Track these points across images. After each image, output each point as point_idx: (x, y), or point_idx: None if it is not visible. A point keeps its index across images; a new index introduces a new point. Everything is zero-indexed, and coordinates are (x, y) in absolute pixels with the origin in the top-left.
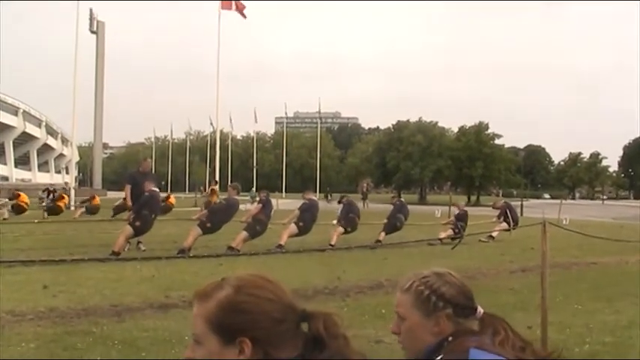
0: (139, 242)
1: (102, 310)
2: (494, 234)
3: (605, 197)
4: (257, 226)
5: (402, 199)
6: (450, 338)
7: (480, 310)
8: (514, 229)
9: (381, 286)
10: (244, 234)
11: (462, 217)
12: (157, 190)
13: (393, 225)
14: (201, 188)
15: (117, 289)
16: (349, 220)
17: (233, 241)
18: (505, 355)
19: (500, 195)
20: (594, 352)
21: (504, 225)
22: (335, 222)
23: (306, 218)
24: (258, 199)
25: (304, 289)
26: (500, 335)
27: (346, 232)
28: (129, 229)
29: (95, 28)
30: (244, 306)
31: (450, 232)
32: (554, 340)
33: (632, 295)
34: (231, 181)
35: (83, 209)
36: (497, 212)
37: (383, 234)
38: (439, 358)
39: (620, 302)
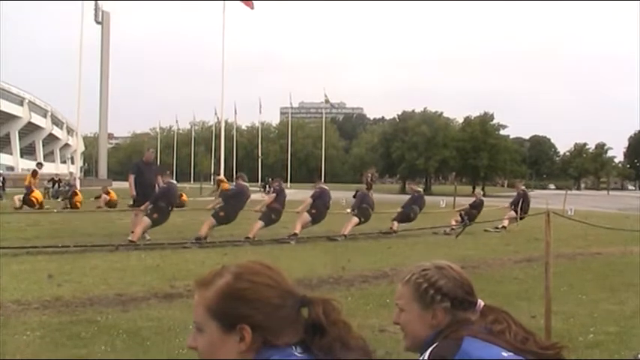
0: (143, 232)
1: (107, 299)
2: (505, 223)
3: (632, 188)
4: (272, 215)
5: (421, 191)
6: (448, 329)
7: (480, 302)
8: (522, 218)
9: (386, 275)
10: (260, 223)
11: (477, 206)
12: (174, 182)
13: (406, 215)
14: (212, 181)
15: (122, 278)
16: (362, 210)
17: (250, 232)
18: (501, 344)
19: (505, 183)
20: (598, 342)
21: (512, 213)
22: (349, 210)
23: (319, 205)
24: (271, 188)
25: (309, 278)
26: (502, 325)
27: (360, 222)
28: (147, 221)
29: (100, 19)
30: (243, 293)
31: (458, 218)
32: (559, 329)
33: (637, 285)
34: (236, 172)
35: (107, 198)
36: (510, 199)
37: (396, 223)
38: (433, 346)
39: (624, 292)
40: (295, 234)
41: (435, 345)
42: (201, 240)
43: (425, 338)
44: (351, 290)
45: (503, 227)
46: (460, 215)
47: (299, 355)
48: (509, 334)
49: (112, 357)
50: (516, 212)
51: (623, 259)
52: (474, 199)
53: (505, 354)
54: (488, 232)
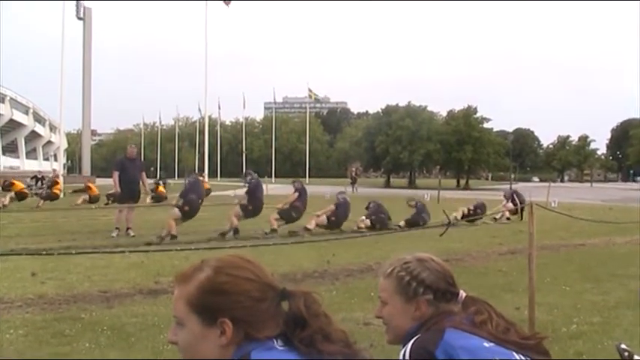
0: (128, 228)
1: (91, 296)
2: (507, 214)
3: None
4: (293, 213)
5: (423, 203)
6: (430, 320)
7: (462, 293)
8: (522, 209)
9: (371, 269)
10: (277, 216)
11: (481, 207)
12: (196, 176)
13: (416, 221)
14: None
15: (106, 275)
16: (380, 219)
17: (271, 224)
18: (483, 335)
19: (484, 180)
20: (581, 332)
21: (510, 205)
22: (364, 217)
23: (339, 214)
24: (295, 187)
25: (294, 272)
26: (483, 315)
27: (374, 227)
28: (177, 213)
29: (82, 15)
30: (224, 286)
31: (465, 209)
32: (542, 320)
33: (620, 275)
34: (220, 167)
35: (86, 197)
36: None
37: (403, 223)
38: (415, 337)
39: (607, 283)
40: (308, 229)
41: (417, 337)
42: (236, 231)
43: (408, 330)
44: (336, 284)
45: (508, 218)
46: (468, 210)
47: (280, 347)
48: (491, 324)
49: (96, 354)
50: (514, 204)
51: (607, 250)
52: (474, 203)
53: (487, 344)
54: (486, 224)
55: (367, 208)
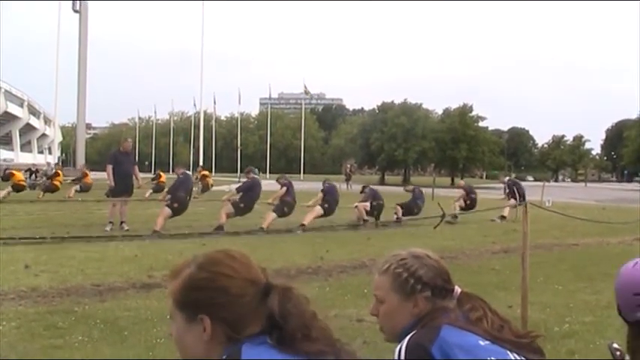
0: (122, 222)
1: (84, 289)
2: (505, 213)
3: (630, 179)
4: (284, 208)
5: (420, 189)
6: (426, 317)
7: (458, 289)
8: (521, 204)
9: (364, 265)
10: (273, 215)
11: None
12: (188, 172)
13: (410, 208)
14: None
15: (99, 268)
16: (379, 206)
17: (263, 222)
18: (478, 332)
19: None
20: (574, 331)
21: (512, 202)
22: (363, 202)
23: (330, 200)
24: (280, 183)
25: (287, 268)
26: (478, 312)
27: (373, 216)
28: (167, 211)
29: (78, 8)
30: (201, 283)
31: (462, 203)
32: (535, 319)
33: (613, 275)
34: (215, 162)
35: (77, 187)
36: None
37: (400, 209)
38: (411, 334)
39: (600, 283)
40: (303, 225)
41: (412, 333)
42: (222, 229)
43: (404, 327)
44: (329, 280)
45: (502, 217)
46: (464, 201)
47: (272, 342)
48: (487, 322)
49: (89, 347)
50: (515, 199)
51: (600, 250)
52: (462, 191)
53: (482, 342)
54: (494, 221)
55: (362, 192)
